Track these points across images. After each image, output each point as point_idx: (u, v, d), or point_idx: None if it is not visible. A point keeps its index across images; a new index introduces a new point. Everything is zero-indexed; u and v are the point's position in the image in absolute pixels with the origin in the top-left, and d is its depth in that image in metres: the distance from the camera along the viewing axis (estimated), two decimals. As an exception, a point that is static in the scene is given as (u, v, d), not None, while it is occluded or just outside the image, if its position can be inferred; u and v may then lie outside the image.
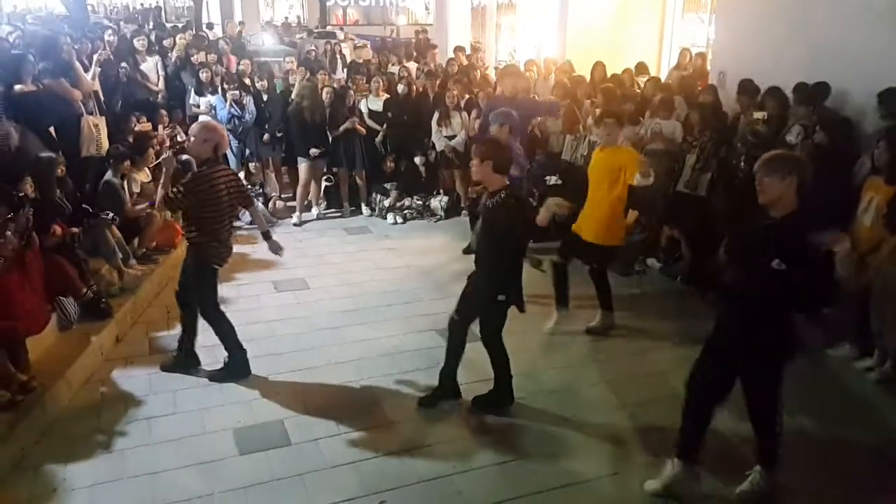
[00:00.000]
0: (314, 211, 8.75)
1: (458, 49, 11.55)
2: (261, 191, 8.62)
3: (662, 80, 8.85)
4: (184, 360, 4.91)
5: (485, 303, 4.23)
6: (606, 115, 5.37)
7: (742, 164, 6.13)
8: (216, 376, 4.80)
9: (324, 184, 8.85)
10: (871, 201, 4.84)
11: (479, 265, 4.34)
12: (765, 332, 3.35)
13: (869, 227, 4.81)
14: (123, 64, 8.63)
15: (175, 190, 4.40)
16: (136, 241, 6.34)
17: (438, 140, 8.59)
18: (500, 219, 4.06)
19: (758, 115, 6.65)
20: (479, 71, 10.51)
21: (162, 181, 4.51)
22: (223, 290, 6.00)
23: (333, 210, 8.86)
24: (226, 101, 8.43)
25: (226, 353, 4.83)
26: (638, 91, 8.02)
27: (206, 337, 4.89)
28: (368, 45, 14.65)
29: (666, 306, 6.01)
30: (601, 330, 5.54)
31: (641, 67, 9.06)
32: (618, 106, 6.80)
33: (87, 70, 7.01)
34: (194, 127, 4.64)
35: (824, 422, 4.28)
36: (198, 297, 4.71)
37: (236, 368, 4.82)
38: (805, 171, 3.27)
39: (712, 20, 9.25)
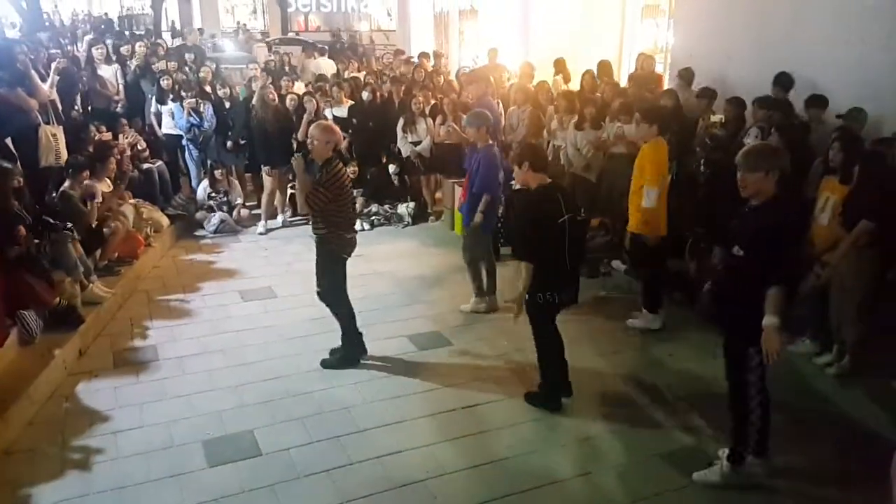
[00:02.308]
0: (280, 219, 8.68)
1: (423, 55, 11.59)
2: (225, 199, 8.53)
3: (622, 84, 9.00)
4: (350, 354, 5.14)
5: (530, 304, 4.34)
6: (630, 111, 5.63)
7: (701, 167, 6.28)
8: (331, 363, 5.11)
9: (289, 191, 8.80)
10: (828, 201, 4.99)
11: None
12: (732, 316, 3.58)
13: (826, 226, 4.96)
14: (82, 72, 8.48)
15: (318, 189, 4.69)
16: (97, 253, 6.21)
17: (404, 146, 8.61)
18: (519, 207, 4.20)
19: (714, 118, 6.82)
20: (443, 77, 10.55)
21: (298, 182, 4.97)
22: (183, 303, 5.96)
23: (300, 218, 8.80)
24: (183, 109, 8.33)
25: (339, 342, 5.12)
26: (599, 95, 8.13)
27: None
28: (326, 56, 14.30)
29: (632, 307, 6.11)
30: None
31: (605, 66, 9.15)
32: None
33: (43, 80, 6.88)
34: (314, 130, 4.82)
35: (785, 417, 4.40)
36: (330, 288, 5.00)
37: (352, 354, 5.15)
38: (784, 161, 3.47)
39: (670, 25, 9.47)
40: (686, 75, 7.85)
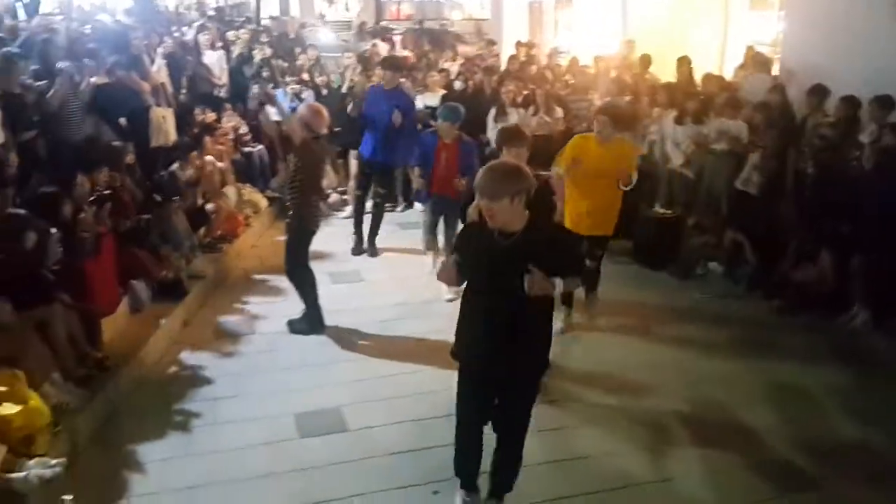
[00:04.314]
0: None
1: (520, 45, 11.50)
2: (321, 184, 8.75)
3: (727, 78, 8.66)
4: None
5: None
6: (600, 112, 5.18)
7: (809, 168, 6.00)
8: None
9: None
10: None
11: None
12: None
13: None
14: (189, 57, 8.90)
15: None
16: (201, 231, 6.55)
17: (503, 125, 8.57)
18: None
19: (825, 118, 6.48)
20: (535, 67, 10.45)
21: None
22: (279, 281, 6.18)
23: (388, 205, 8.93)
24: (287, 94, 8.60)
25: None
26: (700, 89, 7.87)
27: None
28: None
29: (728, 312, 5.92)
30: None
31: (645, 59, 8.87)
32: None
33: (153, 63, 7.27)
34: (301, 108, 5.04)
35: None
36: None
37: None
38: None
39: (780, 16, 9.02)
40: (763, 61, 7.39)
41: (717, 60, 9.95)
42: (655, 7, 10.29)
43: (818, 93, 6.74)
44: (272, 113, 5.55)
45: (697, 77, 8.45)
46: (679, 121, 7.19)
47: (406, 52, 13.01)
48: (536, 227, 3.08)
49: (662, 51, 9.32)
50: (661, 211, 7.13)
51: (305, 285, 5.40)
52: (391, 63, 7.44)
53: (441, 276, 3.23)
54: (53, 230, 4.36)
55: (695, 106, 7.14)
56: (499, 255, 3.03)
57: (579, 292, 5.23)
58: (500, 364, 3.17)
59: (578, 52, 10.99)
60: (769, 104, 6.83)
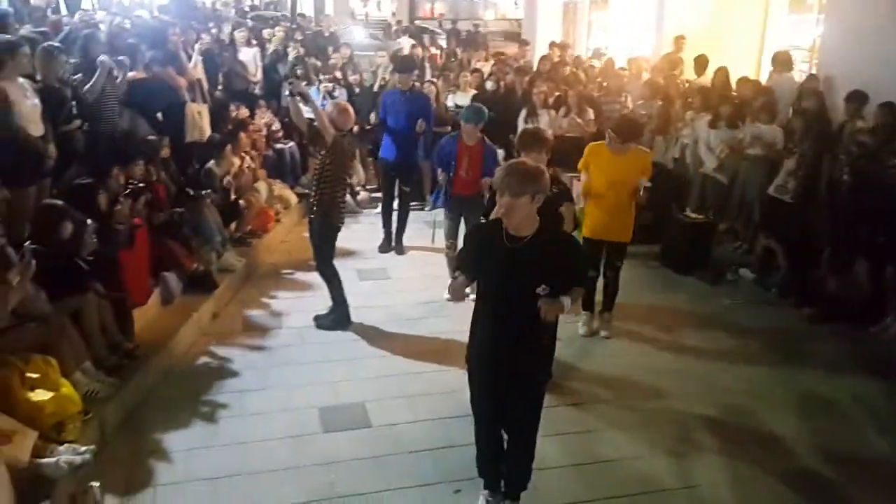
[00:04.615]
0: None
1: (554, 45, 11.45)
2: (348, 181, 8.83)
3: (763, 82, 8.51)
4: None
5: None
6: (609, 126, 5.31)
7: (844, 175, 5.88)
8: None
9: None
10: None
11: None
12: None
13: None
14: (225, 54, 9.03)
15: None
16: (233, 225, 6.64)
17: (524, 128, 8.55)
18: None
19: (863, 124, 6.33)
20: (568, 68, 10.40)
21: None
22: (307, 276, 6.24)
23: (416, 203, 8.95)
24: (319, 92, 8.68)
25: None
26: (735, 94, 7.76)
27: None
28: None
29: (758, 319, 5.83)
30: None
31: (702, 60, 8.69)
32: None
33: (190, 59, 7.39)
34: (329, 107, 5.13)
35: None
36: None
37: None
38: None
39: (819, 21, 8.84)
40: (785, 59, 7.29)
41: (755, 65, 9.79)
42: (693, 10, 10.16)
43: (856, 99, 6.58)
44: (305, 110, 5.63)
45: (733, 81, 8.32)
46: (713, 124, 7.10)
47: (434, 51, 13.06)
48: (546, 233, 3.09)
49: (699, 54, 9.20)
50: (693, 215, 7.05)
51: (335, 281, 5.45)
52: (402, 65, 7.47)
53: (453, 298, 3.38)
54: (89, 221, 4.44)
55: (729, 110, 7.04)
56: (507, 259, 3.04)
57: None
58: (502, 366, 3.19)
59: (614, 53, 10.91)
60: (807, 110, 6.70)
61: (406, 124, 7.06)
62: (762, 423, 4.42)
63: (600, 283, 5.45)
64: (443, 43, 16.17)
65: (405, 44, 12.65)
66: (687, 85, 8.74)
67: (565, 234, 3.56)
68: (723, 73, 8.29)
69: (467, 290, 3.50)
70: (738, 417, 4.50)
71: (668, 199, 7.06)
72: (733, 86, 8.09)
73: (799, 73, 8.08)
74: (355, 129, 5.57)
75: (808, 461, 4.06)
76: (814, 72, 7.68)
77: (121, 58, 6.09)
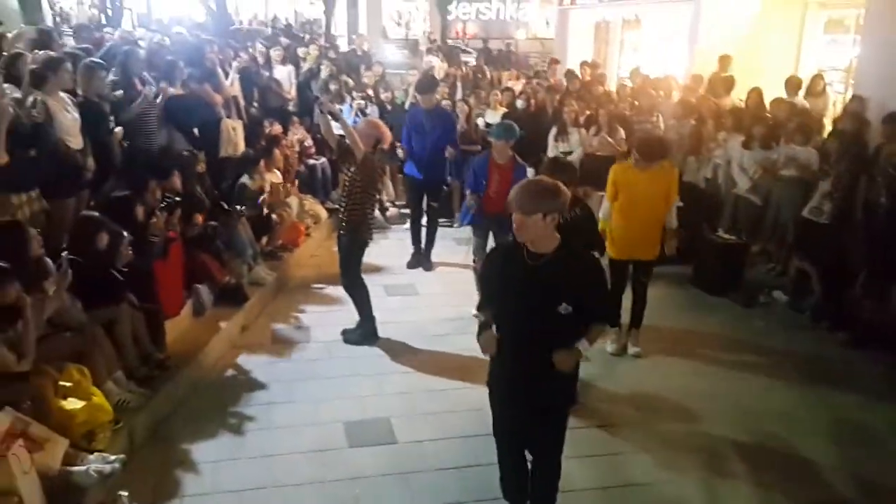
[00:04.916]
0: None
1: (585, 65, 11.46)
2: (377, 197, 8.89)
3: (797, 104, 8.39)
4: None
5: None
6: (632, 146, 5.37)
7: (882, 198, 5.76)
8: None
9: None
10: None
11: None
12: None
13: None
14: (262, 72, 9.20)
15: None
16: (264, 239, 6.72)
17: (555, 155, 8.55)
18: None
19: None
20: (600, 87, 10.39)
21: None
22: (336, 290, 6.27)
23: (444, 220, 8.98)
24: (352, 109, 8.79)
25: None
26: (769, 115, 7.67)
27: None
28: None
29: (791, 343, 5.71)
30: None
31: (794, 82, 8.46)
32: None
33: (227, 76, 7.54)
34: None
35: None
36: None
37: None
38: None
39: (856, 41, 8.73)
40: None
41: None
42: (729, 30, 10.09)
43: (893, 121, 6.46)
44: (335, 127, 5.70)
45: (767, 102, 8.23)
46: (747, 145, 7.02)
47: (465, 70, 13.13)
48: (569, 252, 3.01)
49: (733, 75, 9.15)
50: (725, 236, 6.95)
51: (362, 296, 5.49)
52: (423, 86, 7.50)
53: (484, 351, 3.15)
54: (125, 233, 4.54)
55: (763, 130, 6.96)
56: (527, 277, 2.97)
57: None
58: (522, 392, 3.12)
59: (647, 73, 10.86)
60: (843, 131, 6.59)
61: (431, 142, 7.09)
62: (794, 450, 4.32)
63: (627, 299, 5.39)
64: (471, 60, 16.30)
65: (435, 62, 12.79)
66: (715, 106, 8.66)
67: (588, 252, 3.51)
68: (756, 93, 8.21)
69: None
70: (769, 443, 4.40)
71: (700, 220, 6.98)
72: (767, 106, 8.01)
73: (835, 94, 7.95)
74: (385, 145, 5.57)
75: (841, 490, 3.96)
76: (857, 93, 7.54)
77: (151, 86, 6.26)
